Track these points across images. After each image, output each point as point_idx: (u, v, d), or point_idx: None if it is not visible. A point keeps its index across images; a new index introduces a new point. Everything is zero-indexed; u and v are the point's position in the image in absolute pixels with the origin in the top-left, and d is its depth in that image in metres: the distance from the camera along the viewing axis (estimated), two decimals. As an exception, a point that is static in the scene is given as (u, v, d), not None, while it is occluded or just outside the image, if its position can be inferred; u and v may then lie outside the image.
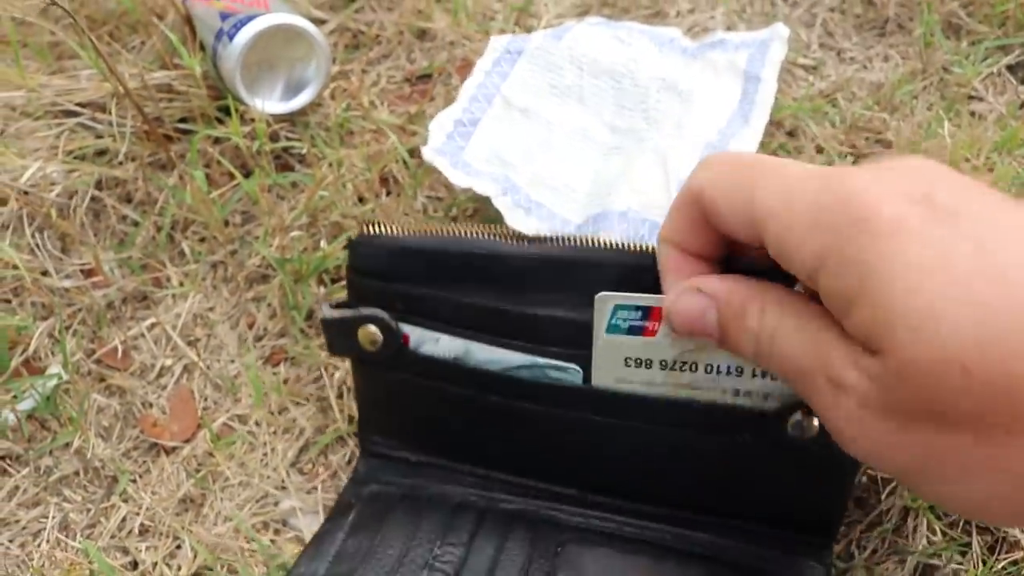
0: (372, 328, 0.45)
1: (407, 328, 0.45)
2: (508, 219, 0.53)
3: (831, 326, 0.29)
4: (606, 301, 0.39)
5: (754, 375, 0.39)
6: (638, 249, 0.40)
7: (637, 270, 0.40)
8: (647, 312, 0.38)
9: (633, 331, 0.39)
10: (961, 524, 0.48)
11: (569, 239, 0.42)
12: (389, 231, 0.43)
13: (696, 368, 0.39)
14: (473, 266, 0.42)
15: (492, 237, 0.43)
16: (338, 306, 0.46)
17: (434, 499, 0.48)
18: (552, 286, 0.42)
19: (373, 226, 0.43)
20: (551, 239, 0.42)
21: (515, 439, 0.47)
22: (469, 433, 0.48)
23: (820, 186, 0.28)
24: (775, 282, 0.33)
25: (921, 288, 0.25)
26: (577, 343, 0.41)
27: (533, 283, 0.42)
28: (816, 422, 0.40)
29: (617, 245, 0.41)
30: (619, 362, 0.40)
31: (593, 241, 0.41)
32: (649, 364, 0.40)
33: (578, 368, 0.43)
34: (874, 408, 0.27)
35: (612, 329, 0.39)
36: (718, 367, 0.39)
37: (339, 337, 0.46)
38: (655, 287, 0.39)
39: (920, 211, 0.26)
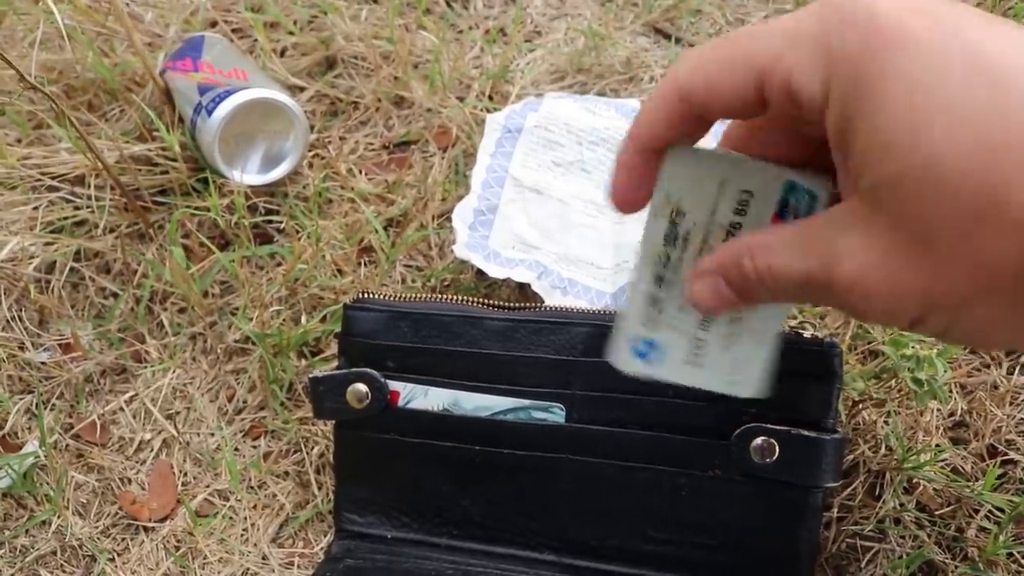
0: (360, 386, 0.48)
1: (396, 385, 0.48)
2: (548, 300, 0.55)
3: (812, 223, 0.29)
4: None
5: None
6: (601, 313, 0.48)
7: (603, 331, 0.45)
8: None
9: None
10: (937, 593, 0.48)
11: (542, 307, 0.49)
12: (380, 298, 0.49)
13: None
14: (457, 328, 0.48)
15: (473, 305, 0.49)
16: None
17: (411, 571, 0.48)
18: (528, 345, 0.47)
19: (365, 294, 0.49)
20: (526, 306, 0.49)
21: (495, 497, 0.48)
22: (449, 496, 0.49)
23: (822, 13, 0.27)
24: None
25: (925, 94, 0.24)
26: (559, 383, 0.47)
27: (512, 341, 0.47)
28: (776, 446, 0.44)
29: (582, 311, 0.48)
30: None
31: (562, 308, 0.48)
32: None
33: (560, 407, 0.47)
34: (876, 243, 0.26)
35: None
36: None
37: (327, 396, 0.48)
38: None
39: (923, 22, 0.25)
